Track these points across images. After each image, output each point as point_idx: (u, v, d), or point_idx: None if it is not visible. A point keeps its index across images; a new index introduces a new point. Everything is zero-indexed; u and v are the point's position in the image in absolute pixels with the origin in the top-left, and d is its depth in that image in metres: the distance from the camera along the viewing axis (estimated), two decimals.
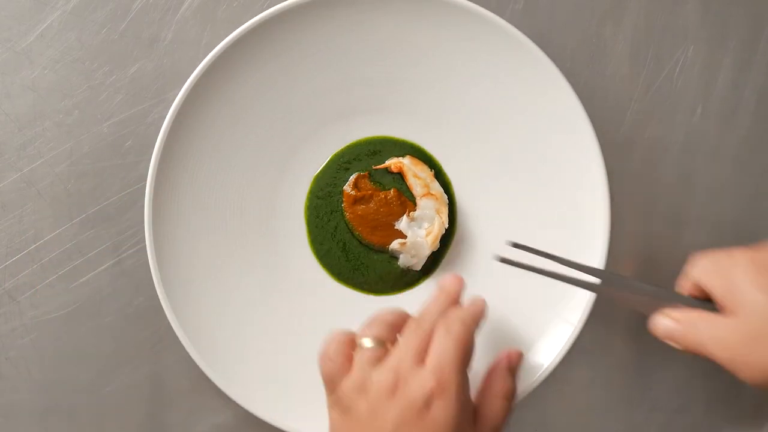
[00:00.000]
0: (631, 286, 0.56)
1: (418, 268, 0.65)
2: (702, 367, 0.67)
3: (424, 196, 0.65)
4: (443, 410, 0.49)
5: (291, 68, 0.64)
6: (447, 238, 0.66)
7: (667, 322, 0.54)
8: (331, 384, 0.53)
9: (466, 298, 0.66)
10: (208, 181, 0.64)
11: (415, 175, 0.65)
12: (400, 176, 0.65)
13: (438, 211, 0.65)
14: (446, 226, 0.64)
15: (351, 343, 0.54)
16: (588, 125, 0.62)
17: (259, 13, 0.62)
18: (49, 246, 0.65)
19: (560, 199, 0.64)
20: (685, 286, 0.56)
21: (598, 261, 0.62)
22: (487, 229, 0.66)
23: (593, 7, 0.66)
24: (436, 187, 0.65)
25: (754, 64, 0.67)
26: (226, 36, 0.62)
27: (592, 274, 0.58)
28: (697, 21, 0.67)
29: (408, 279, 0.65)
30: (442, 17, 0.62)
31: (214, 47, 0.61)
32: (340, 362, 0.53)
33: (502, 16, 0.63)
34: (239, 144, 0.64)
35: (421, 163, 0.65)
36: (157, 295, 0.61)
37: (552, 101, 0.63)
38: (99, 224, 0.65)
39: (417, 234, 0.65)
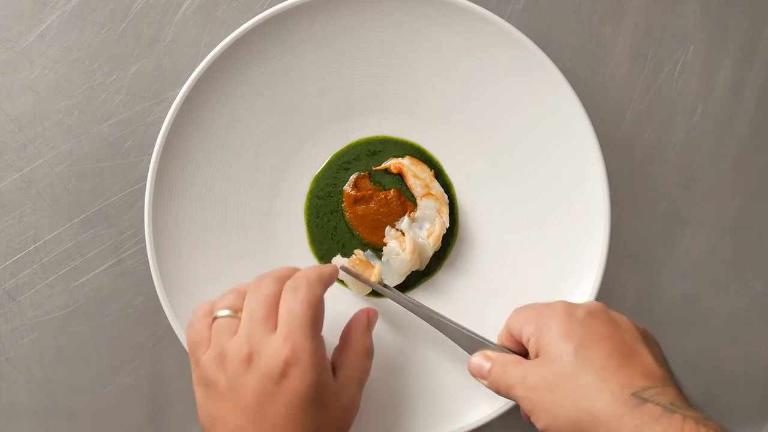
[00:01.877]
0: (458, 331, 0.58)
1: (422, 268, 0.65)
2: (702, 367, 0.67)
3: (424, 196, 0.65)
4: (300, 378, 0.49)
5: (291, 68, 0.64)
6: (449, 238, 0.66)
7: (478, 360, 0.56)
8: (195, 357, 0.53)
9: (466, 297, 0.66)
10: (208, 181, 0.64)
11: (415, 176, 0.65)
12: (400, 176, 0.65)
13: (439, 211, 0.65)
14: (447, 225, 0.64)
15: (212, 313, 0.54)
16: (588, 125, 0.62)
17: (259, 13, 0.62)
18: (49, 246, 0.65)
19: (560, 198, 0.64)
20: (502, 336, 0.57)
21: (598, 260, 0.62)
22: (488, 229, 0.66)
23: (593, 7, 0.66)
24: (437, 187, 0.65)
25: (754, 64, 0.67)
26: (226, 36, 0.62)
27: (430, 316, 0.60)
28: (697, 21, 0.67)
29: (409, 281, 0.65)
30: (442, 17, 0.62)
31: (214, 47, 0.61)
32: (201, 333, 0.53)
33: (502, 16, 0.63)
34: (239, 144, 0.64)
35: (421, 163, 0.65)
36: (157, 295, 0.61)
37: (552, 101, 0.63)
38: (99, 224, 0.65)
39: (418, 234, 0.65)
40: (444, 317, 0.60)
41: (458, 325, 0.59)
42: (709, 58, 0.67)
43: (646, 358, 0.49)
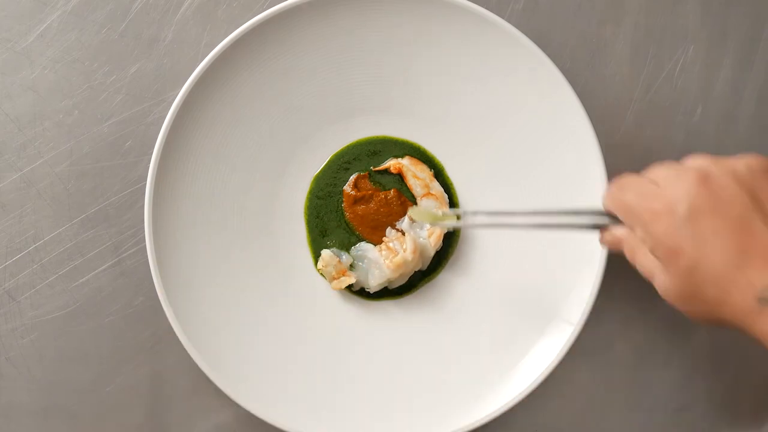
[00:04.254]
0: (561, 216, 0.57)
1: (424, 268, 0.65)
2: (702, 367, 0.67)
3: (424, 196, 0.65)
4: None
5: (291, 68, 0.64)
6: (450, 238, 0.66)
7: (610, 239, 0.55)
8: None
9: (468, 296, 0.66)
10: (208, 181, 0.64)
11: (415, 176, 0.65)
12: (400, 176, 0.65)
13: None
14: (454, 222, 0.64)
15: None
16: (588, 125, 0.62)
17: (259, 13, 0.62)
18: (49, 246, 0.65)
19: (561, 198, 0.64)
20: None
21: (598, 260, 0.62)
22: (488, 228, 0.66)
23: (593, 7, 0.66)
24: (437, 187, 0.65)
25: (754, 64, 0.67)
26: (226, 36, 0.62)
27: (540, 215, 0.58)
28: (697, 21, 0.67)
29: (411, 281, 0.65)
30: (442, 17, 0.62)
31: (214, 47, 0.61)
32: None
33: (502, 16, 0.63)
34: (239, 144, 0.64)
35: (421, 163, 0.65)
36: (157, 295, 0.61)
37: (552, 101, 0.63)
38: (99, 224, 0.65)
39: (419, 234, 0.65)
40: (545, 212, 0.58)
41: (564, 210, 0.57)
42: (709, 58, 0.67)
43: (763, 236, 0.48)
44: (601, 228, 0.56)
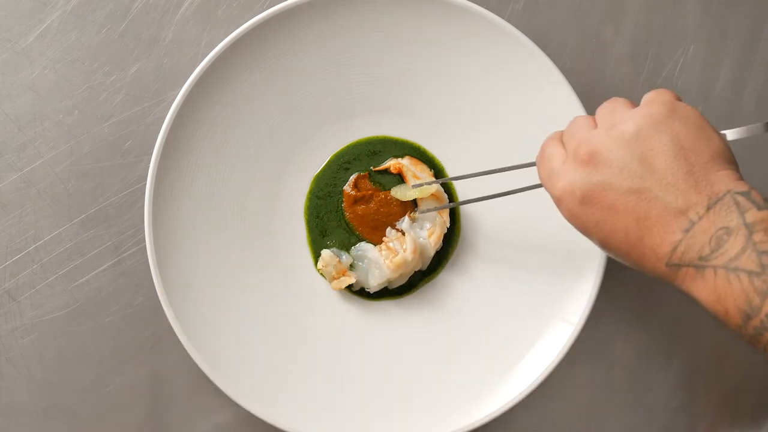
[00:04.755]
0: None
1: (424, 268, 0.65)
2: (702, 368, 0.67)
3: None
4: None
5: (291, 68, 0.64)
6: (450, 238, 0.66)
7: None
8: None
9: (469, 296, 0.66)
10: (208, 181, 0.64)
11: (415, 176, 0.65)
12: (400, 176, 0.65)
13: (439, 211, 0.65)
14: (448, 225, 0.64)
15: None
16: None
17: (259, 13, 0.62)
18: (49, 246, 0.65)
19: None
20: None
21: (598, 260, 0.62)
22: (490, 229, 0.66)
23: (593, 7, 0.66)
24: (437, 187, 0.65)
25: (754, 64, 0.67)
26: (226, 36, 0.62)
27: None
28: (697, 21, 0.67)
29: (411, 281, 0.65)
30: (442, 17, 0.62)
31: (214, 47, 0.61)
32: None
33: (502, 16, 0.63)
34: (239, 144, 0.64)
35: (421, 163, 0.65)
36: (157, 295, 0.61)
37: (552, 101, 0.63)
38: (99, 224, 0.65)
39: (419, 234, 0.65)
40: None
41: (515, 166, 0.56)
42: (709, 58, 0.67)
43: (656, 202, 0.45)
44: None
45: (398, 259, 0.63)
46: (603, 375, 0.67)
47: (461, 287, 0.65)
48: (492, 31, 0.62)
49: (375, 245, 0.65)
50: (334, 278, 0.64)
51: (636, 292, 0.66)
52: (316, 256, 0.65)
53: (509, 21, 0.63)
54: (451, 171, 0.66)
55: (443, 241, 0.65)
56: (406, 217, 0.65)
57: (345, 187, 0.66)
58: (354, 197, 0.65)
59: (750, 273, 0.42)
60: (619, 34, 0.67)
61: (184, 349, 0.61)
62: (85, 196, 0.65)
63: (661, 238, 0.45)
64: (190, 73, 0.61)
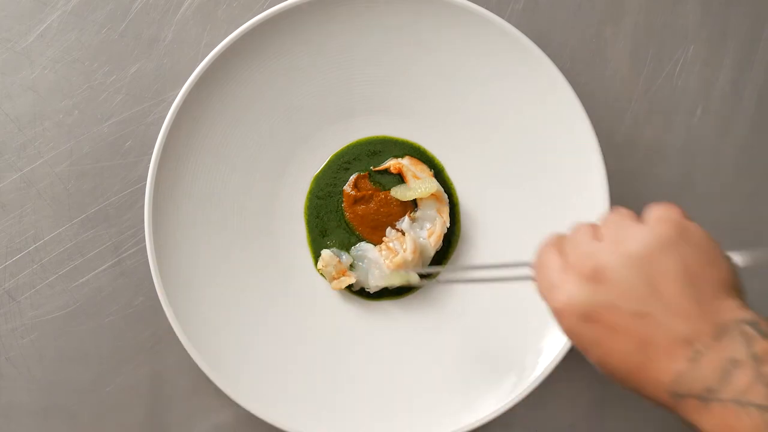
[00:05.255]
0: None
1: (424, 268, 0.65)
2: None
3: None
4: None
5: (291, 68, 0.64)
6: (450, 237, 0.66)
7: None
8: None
9: (469, 296, 0.66)
10: (208, 181, 0.64)
11: (415, 176, 0.65)
12: (400, 176, 0.65)
13: (439, 211, 0.65)
14: (448, 225, 0.64)
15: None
16: (588, 125, 0.62)
17: (259, 13, 0.62)
18: (49, 246, 0.65)
19: (561, 198, 0.64)
20: None
21: None
22: (490, 228, 0.66)
23: (593, 7, 0.66)
24: (436, 187, 0.65)
25: (754, 64, 0.67)
26: (226, 36, 0.62)
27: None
28: (697, 21, 0.67)
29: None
30: (442, 17, 0.62)
31: (214, 47, 0.61)
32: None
33: (502, 16, 0.63)
34: (239, 144, 0.64)
35: (421, 163, 0.65)
36: (157, 295, 0.61)
37: (552, 101, 0.63)
38: (99, 224, 0.65)
39: (419, 234, 0.65)
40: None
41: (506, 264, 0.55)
42: (709, 58, 0.67)
43: (660, 327, 0.43)
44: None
45: (398, 259, 0.63)
46: (603, 375, 0.66)
47: (461, 287, 0.65)
48: (492, 31, 0.62)
49: (375, 245, 0.65)
50: (334, 278, 0.64)
51: None
52: (316, 256, 0.65)
53: (509, 21, 0.63)
54: (451, 171, 0.66)
55: (443, 241, 0.65)
56: (406, 217, 0.65)
57: (345, 187, 0.66)
58: (354, 197, 0.65)
59: (760, 407, 0.40)
60: (619, 34, 0.67)
61: (184, 349, 0.61)
62: (85, 196, 0.65)
63: (665, 366, 0.43)
64: (190, 73, 0.61)
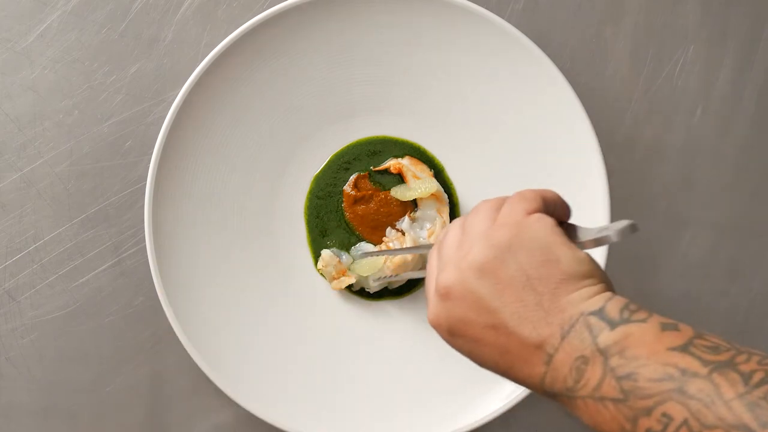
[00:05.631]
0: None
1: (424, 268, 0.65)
2: None
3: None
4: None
5: (291, 68, 0.64)
6: None
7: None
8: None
9: None
10: (208, 181, 0.64)
11: (415, 176, 0.65)
12: (400, 176, 0.65)
13: (439, 211, 0.65)
14: (448, 225, 0.64)
15: None
16: (588, 125, 0.62)
17: (259, 13, 0.62)
18: (49, 246, 0.65)
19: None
20: None
21: (598, 260, 0.62)
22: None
23: (593, 7, 0.66)
24: (437, 187, 0.65)
25: (754, 64, 0.67)
26: (226, 36, 0.62)
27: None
28: (697, 21, 0.67)
29: (411, 281, 0.65)
30: (442, 17, 0.62)
31: (214, 47, 0.61)
32: None
33: (502, 16, 0.63)
34: (239, 144, 0.64)
35: (421, 163, 0.65)
36: (157, 295, 0.61)
37: (552, 101, 0.63)
38: (99, 224, 0.65)
39: (419, 235, 0.65)
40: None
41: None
42: (709, 58, 0.67)
43: (516, 339, 0.43)
44: None
45: (398, 259, 0.63)
46: None
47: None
48: (492, 31, 0.62)
49: (375, 245, 0.65)
50: (334, 278, 0.64)
51: (634, 291, 0.66)
52: (316, 256, 0.65)
53: (509, 21, 0.63)
54: (450, 171, 0.66)
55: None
56: (406, 217, 0.65)
57: (345, 187, 0.66)
58: (354, 197, 0.65)
59: (615, 401, 0.40)
60: (619, 34, 0.67)
61: (184, 349, 0.61)
62: (85, 196, 0.65)
63: (528, 371, 0.43)
64: (190, 73, 0.61)
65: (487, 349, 0.45)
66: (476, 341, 0.45)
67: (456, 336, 0.46)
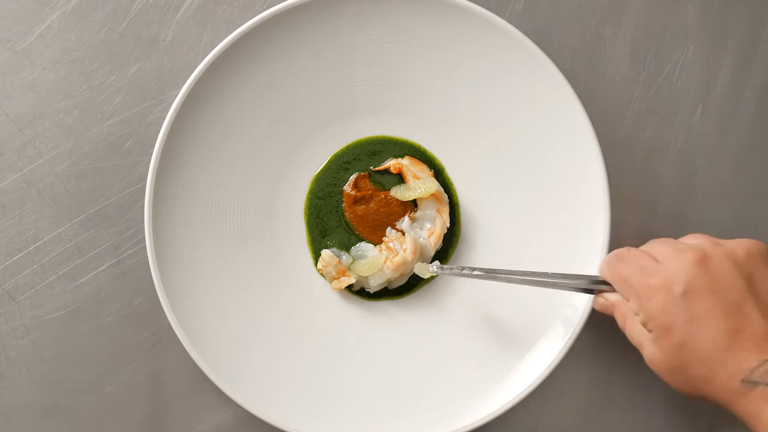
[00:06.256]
0: (564, 278, 0.59)
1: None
2: None
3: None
4: None
5: (291, 68, 0.64)
6: (450, 237, 0.66)
7: (602, 303, 0.57)
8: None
9: (469, 296, 0.66)
10: (208, 181, 0.64)
11: (415, 176, 0.65)
12: (400, 176, 0.65)
13: (439, 211, 0.65)
14: (448, 225, 0.64)
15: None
16: (588, 125, 0.62)
17: (259, 13, 0.62)
18: (49, 246, 0.65)
19: (561, 198, 0.64)
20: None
21: (598, 260, 0.62)
22: (490, 228, 0.66)
23: (593, 7, 0.66)
24: (436, 188, 0.65)
25: (754, 64, 0.67)
26: (226, 36, 0.62)
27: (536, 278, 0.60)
28: (697, 21, 0.67)
29: (411, 281, 0.65)
30: (442, 17, 0.62)
31: (214, 47, 0.61)
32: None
33: (502, 16, 0.63)
34: (239, 144, 0.64)
35: (421, 163, 0.65)
36: (157, 295, 0.61)
37: (552, 101, 0.63)
38: (99, 224, 0.65)
39: (419, 235, 0.65)
40: (542, 274, 0.59)
41: (560, 275, 0.59)
42: (709, 58, 0.67)
43: (754, 320, 0.49)
44: (595, 292, 0.58)
45: (398, 258, 0.63)
46: (603, 375, 0.67)
47: (461, 287, 0.65)
48: (492, 32, 0.62)
49: (375, 245, 0.65)
50: (334, 278, 0.64)
51: None
52: (316, 256, 0.65)
53: (509, 21, 0.63)
54: (450, 171, 0.66)
55: (443, 241, 0.65)
56: (406, 217, 0.65)
57: (345, 187, 0.66)
58: (354, 197, 0.65)
59: None
60: (619, 34, 0.67)
61: (184, 349, 0.61)
62: (85, 196, 0.65)
63: (749, 352, 0.48)
64: (190, 73, 0.61)
65: (716, 321, 0.49)
66: (710, 310, 0.50)
67: (689, 299, 0.50)
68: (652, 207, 0.67)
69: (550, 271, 0.61)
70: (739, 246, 0.52)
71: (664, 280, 0.51)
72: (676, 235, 0.67)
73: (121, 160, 0.65)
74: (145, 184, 0.61)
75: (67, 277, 0.65)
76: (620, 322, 0.55)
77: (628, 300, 0.54)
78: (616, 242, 0.64)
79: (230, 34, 0.61)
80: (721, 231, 0.67)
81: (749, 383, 0.48)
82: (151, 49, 0.65)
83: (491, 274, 0.60)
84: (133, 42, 0.65)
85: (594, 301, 0.58)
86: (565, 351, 0.62)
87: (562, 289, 0.59)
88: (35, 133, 0.65)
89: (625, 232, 0.66)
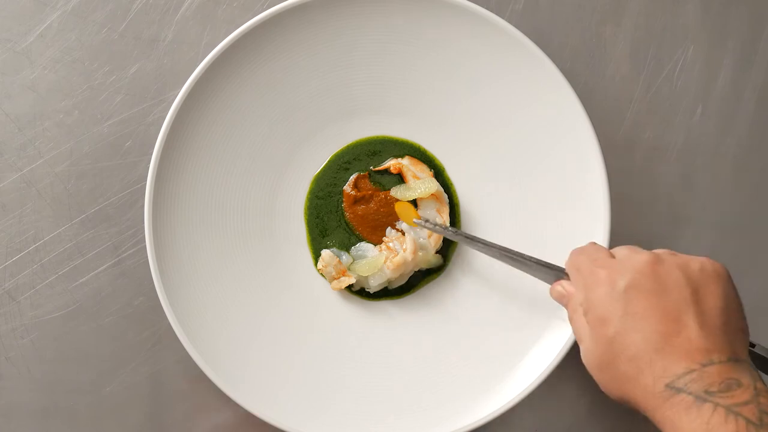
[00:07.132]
0: (533, 263, 0.58)
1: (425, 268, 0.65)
2: None
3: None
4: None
5: (291, 68, 0.64)
6: None
7: (559, 291, 0.56)
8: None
9: (469, 295, 0.66)
10: (208, 181, 0.64)
11: (415, 176, 0.65)
12: (400, 176, 0.65)
13: (439, 211, 0.65)
14: (448, 225, 0.64)
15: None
16: (588, 125, 0.62)
17: (259, 13, 0.62)
18: (49, 246, 0.65)
19: (561, 198, 0.64)
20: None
21: None
22: (490, 228, 0.66)
23: (593, 7, 0.66)
24: (436, 187, 0.65)
25: (754, 64, 0.67)
26: (226, 36, 0.62)
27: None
28: (697, 21, 0.67)
29: (411, 281, 0.65)
30: (442, 17, 0.62)
31: (214, 47, 0.61)
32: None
33: (502, 16, 0.63)
34: (239, 144, 0.64)
35: (421, 163, 0.65)
36: (157, 295, 0.61)
37: (552, 101, 0.63)
38: (99, 224, 0.65)
39: (419, 234, 0.65)
40: (516, 253, 0.59)
41: (532, 258, 0.58)
42: (709, 58, 0.67)
43: (691, 330, 0.48)
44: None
45: (398, 259, 0.63)
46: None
47: (461, 287, 0.65)
48: (492, 32, 0.62)
49: (375, 245, 0.65)
50: (334, 278, 0.64)
51: None
52: (316, 256, 0.65)
53: (509, 21, 0.63)
54: (450, 171, 0.66)
55: (443, 241, 0.65)
56: None
57: (345, 187, 0.66)
58: (354, 197, 0.65)
59: (748, 421, 0.45)
60: (619, 34, 0.67)
61: (184, 349, 0.61)
62: (85, 196, 0.65)
63: (679, 359, 0.48)
64: (190, 73, 0.61)
65: (652, 322, 0.49)
66: (648, 309, 0.49)
67: (630, 294, 0.50)
68: (652, 207, 0.67)
69: (527, 254, 0.59)
70: (695, 260, 0.51)
71: (610, 274, 0.51)
72: (676, 235, 0.67)
73: (121, 160, 0.65)
74: (145, 184, 0.61)
75: (67, 277, 0.65)
76: (569, 315, 0.54)
77: (578, 291, 0.53)
78: (616, 242, 0.64)
79: (230, 34, 0.61)
80: (721, 231, 0.67)
81: (673, 389, 0.47)
82: (151, 49, 0.65)
83: (470, 239, 0.60)
84: (133, 42, 0.65)
85: (551, 289, 0.57)
86: (565, 351, 0.62)
87: (532, 274, 0.58)
88: (35, 133, 0.65)
89: (625, 232, 0.66)
